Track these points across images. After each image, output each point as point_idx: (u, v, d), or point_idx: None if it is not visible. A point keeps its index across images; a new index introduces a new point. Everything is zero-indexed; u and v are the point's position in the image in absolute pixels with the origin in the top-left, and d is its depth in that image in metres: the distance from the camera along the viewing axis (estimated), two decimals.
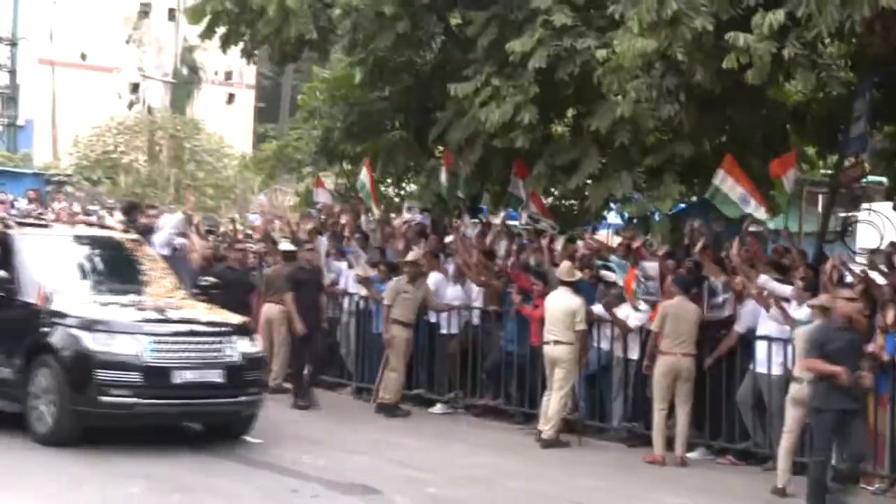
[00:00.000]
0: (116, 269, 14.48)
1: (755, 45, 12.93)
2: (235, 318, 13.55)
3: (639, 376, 14.54)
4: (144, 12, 58.68)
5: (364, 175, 20.06)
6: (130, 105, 55.82)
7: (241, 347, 13.00)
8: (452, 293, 16.64)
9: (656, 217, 17.42)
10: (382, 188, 21.92)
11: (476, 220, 19.33)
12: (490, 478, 12.52)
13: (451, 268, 16.92)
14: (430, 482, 12.04)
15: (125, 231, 15.39)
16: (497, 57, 17.09)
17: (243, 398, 13.01)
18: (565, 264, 14.95)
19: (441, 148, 20.26)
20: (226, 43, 20.07)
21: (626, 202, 17.03)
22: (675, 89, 15.52)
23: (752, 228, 15.54)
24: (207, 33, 20.14)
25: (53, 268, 13.62)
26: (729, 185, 15.49)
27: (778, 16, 12.88)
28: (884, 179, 19.76)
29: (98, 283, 13.91)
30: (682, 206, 18.58)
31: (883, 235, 16.39)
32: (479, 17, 17.55)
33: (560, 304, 14.44)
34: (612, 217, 21.01)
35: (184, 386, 12.50)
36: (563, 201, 20.70)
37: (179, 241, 16.39)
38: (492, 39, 17.12)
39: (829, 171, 18.53)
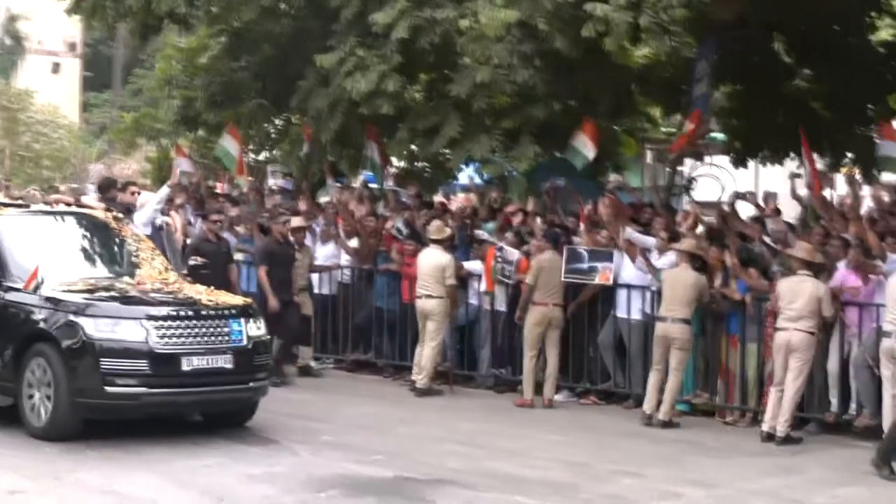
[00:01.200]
0: (105, 250, 13.60)
1: (612, 14, 13.93)
2: (238, 300, 13.03)
3: (506, 326, 15.53)
4: None
5: (227, 141, 20.61)
6: None
7: (248, 330, 12.34)
8: (323, 253, 17.40)
9: (514, 175, 18.40)
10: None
11: (339, 184, 20.09)
12: (378, 425, 13.37)
13: (318, 229, 17.65)
14: (324, 431, 12.83)
15: (107, 210, 14.31)
16: (359, 28, 17.82)
17: (252, 384, 12.36)
18: (435, 223, 15.84)
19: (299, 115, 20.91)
20: (91, 17, 20.32)
21: (486, 163, 17.95)
22: (531, 55, 16.47)
23: (611, 185, 16.63)
24: (74, 7, 20.34)
25: (38, 250, 12.73)
26: (584, 144, 16.66)
27: None
28: (722, 136, 21.06)
29: (87, 266, 13.07)
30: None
31: (724, 187, 17.65)
32: None
33: (431, 261, 15.35)
34: (464, 178, 21.99)
35: (193, 373, 11.86)
36: (417, 164, 21.60)
37: (162, 219, 15.48)
38: (355, 11, 17.84)
39: (674, 130, 19.76)
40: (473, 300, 15.99)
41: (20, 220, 13.38)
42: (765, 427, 12.92)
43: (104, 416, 11.73)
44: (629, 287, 14.45)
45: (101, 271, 12.97)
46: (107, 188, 16.10)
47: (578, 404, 14.91)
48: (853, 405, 13.15)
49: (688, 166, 18.72)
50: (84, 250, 13.40)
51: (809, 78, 19.53)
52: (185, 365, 11.78)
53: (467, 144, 17.74)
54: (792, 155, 19.25)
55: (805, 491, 10.92)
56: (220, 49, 20.67)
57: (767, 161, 20.57)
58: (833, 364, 13.26)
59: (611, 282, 14.42)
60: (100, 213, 14.14)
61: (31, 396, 11.85)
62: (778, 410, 12.82)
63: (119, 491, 10.09)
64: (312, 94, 18.87)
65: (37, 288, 11.98)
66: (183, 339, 11.83)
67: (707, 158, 19.69)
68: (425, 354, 15.33)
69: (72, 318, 11.70)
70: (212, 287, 13.00)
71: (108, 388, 11.48)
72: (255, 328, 12.45)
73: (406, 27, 16.97)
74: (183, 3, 18.82)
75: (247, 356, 12.22)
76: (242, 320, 12.32)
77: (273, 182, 20.55)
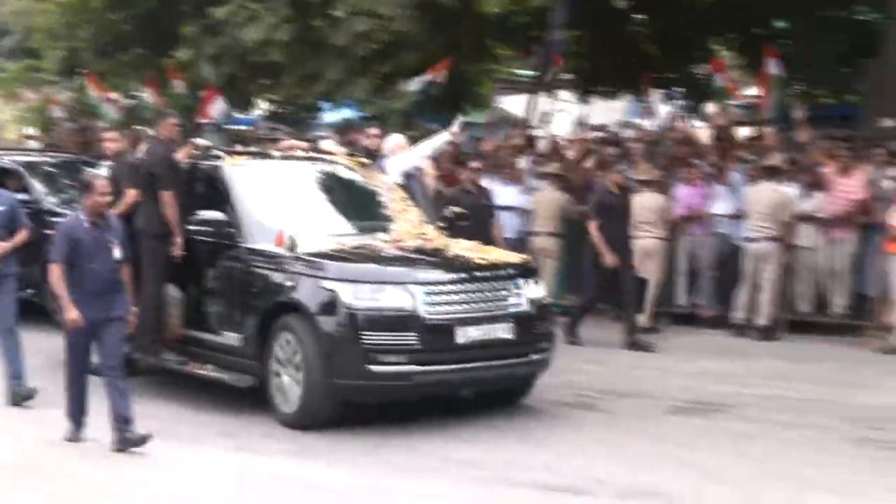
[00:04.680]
0: (353, 203, 11.95)
1: None
2: (515, 257, 11.11)
3: None
4: None
5: (90, 90, 22.06)
6: None
7: (529, 293, 10.47)
8: None
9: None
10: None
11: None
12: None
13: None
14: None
15: (350, 156, 12.56)
16: None
17: (535, 356, 10.47)
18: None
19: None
20: None
21: (367, 104, 19.97)
22: (411, 6, 18.58)
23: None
24: None
25: (280, 206, 11.09)
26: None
27: None
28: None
29: (336, 222, 11.33)
30: None
31: (574, 120, 20.17)
32: None
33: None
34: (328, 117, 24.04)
35: (469, 346, 9.97)
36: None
37: (414, 165, 13.37)
38: None
39: (531, 71, 22.22)
40: None
41: (255, 169, 11.70)
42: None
43: (368, 398, 10.06)
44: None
45: (351, 227, 11.24)
46: (345, 131, 14.02)
47: None
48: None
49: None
50: (331, 203, 11.79)
51: (642, 23, 22.19)
52: (460, 336, 9.94)
53: (348, 87, 19.81)
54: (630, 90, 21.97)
55: (677, 364, 13.26)
56: (102, 2, 22.18)
57: (608, 97, 23.27)
58: (681, 264, 15.85)
59: None
60: (344, 159, 12.49)
61: (278, 376, 10.13)
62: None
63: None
64: (201, 43, 20.65)
65: (292, 248, 10.16)
66: (456, 307, 9.98)
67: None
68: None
69: (327, 283, 9.85)
70: (476, 243, 11.28)
71: (373, 367, 9.67)
72: (536, 290, 10.62)
73: None
74: None
75: (528, 324, 10.38)
76: (522, 281, 10.49)
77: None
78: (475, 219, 13.18)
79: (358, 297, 9.76)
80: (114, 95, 21.96)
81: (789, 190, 15.16)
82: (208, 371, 10.91)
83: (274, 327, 10.17)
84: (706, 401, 11.42)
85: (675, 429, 10.31)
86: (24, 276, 11.13)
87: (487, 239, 12.60)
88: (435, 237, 11.34)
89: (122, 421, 9.13)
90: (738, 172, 15.85)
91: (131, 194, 11.77)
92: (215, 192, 11.26)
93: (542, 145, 18.73)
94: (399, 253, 10.57)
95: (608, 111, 22.96)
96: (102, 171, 11.59)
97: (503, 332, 10.20)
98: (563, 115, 20.82)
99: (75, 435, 9.45)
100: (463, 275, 10.21)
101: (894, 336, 13.94)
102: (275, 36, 18.99)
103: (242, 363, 10.52)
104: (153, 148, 11.87)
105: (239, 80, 20.86)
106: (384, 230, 11.22)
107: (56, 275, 9.16)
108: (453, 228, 12.06)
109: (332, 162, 12.33)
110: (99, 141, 17.46)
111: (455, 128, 14.48)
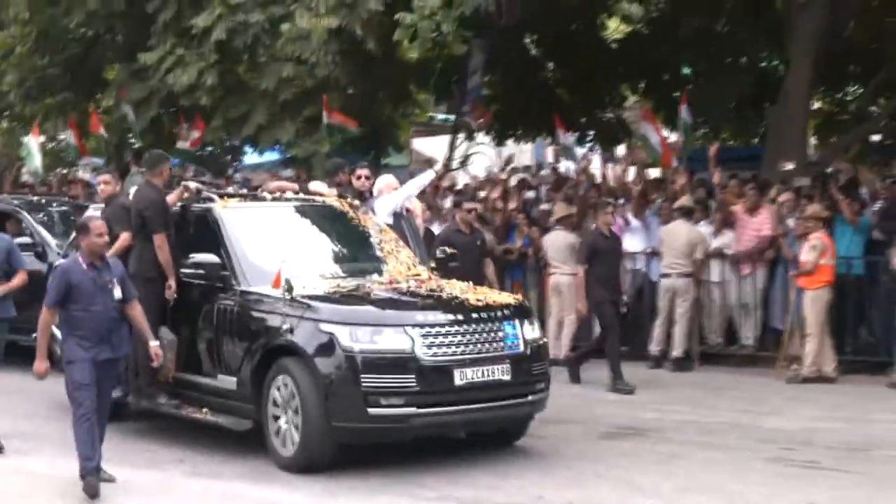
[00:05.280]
0: (346, 244, 11.98)
1: (420, 22, 16.88)
2: (509, 297, 11.10)
3: None
4: None
5: (29, 140, 22.49)
6: None
7: (525, 333, 10.47)
8: None
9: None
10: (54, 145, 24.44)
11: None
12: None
13: None
14: None
15: (340, 197, 12.53)
16: (176, 28, 20.18)
17: (531, 397, 10.48)
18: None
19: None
20: None
21: (291, 146, 20.56)
22: (339, 54, 19.23)
23: None
24: None
25: (274, 248, 10.97)
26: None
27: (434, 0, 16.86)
28: None
29: (329, 264, 11.42)
30: None
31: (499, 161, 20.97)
32: None
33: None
34: (248, 158, 24.66)
35: (467, 388, 9.97)
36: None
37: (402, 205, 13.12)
38: (172, 15, 20.24)
39: (451, 115, 23.02)
40: None
41: (247, 212, 11.75)
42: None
43: (365, 441, 10.04)
44: None
45: (345, 269, 11.31)
46: (335, 171, 14.00)
47: None
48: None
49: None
50: (324, 245, 11.88)
51: (555, 69, 23.12)
52: (458, 378, 9.94)
53: (274, 130, 20.42)
54: (544, 134, 22.86)
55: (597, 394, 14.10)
56: (28, 48, 22.62)
57: (521, 139, 24.16)
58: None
59: None
60: (334, 200, 12.43)
61: (276, 419, 10.17)
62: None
63: None
64: (130, 87, 21.18)
65: (289, 290, 10.09)
66: (454, 349, 9.99)
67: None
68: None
69: (324, 326, 9.88)
70: (470, 283, 11.25)
71: (371, 410, 9.69)
72: (531, 331, 10.62)
73: (224, 29, 19.45)
74: None
75: (525, 365, 10.41)
76: (517, 322, 10.49)
77: (82, 174, 22.50)
78: (467, 259, 13.27)
79: (356, 339, 9.76)
80: (41, 138, 22.40)
81: (702, 228, 16.07)
82: (204, 415, 10.91)
83: (271, 370, 10.20)
84: (631, 426, 12.19)
85: (606, 451, 11.02)
86: (29, 318, 10.68)
87: (479, 279, 12.69)
88: (428, 278, 11.33)
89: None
90: (651, 212, 16.76)
91: (124, 237, 11.83)
92: (208, 234, 11.31)
93: (462, 186, 19.51)
94: (395, 295, 10.57)
95: (519, 153, 23.89)
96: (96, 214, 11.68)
97: (501, 373, 10.20)
98: (480, 157, 21.65)
99: (95, 482, 9.22)
100: (460, 316, 10.18)
101: (803, 367, 14.81)
102: (202, 81, 19.50)
103: (239, 407, 10.55)
104: (144, 191, 11.93)
105: (162, 123, 21.36)
106: (378, 271, 11.28)
107: (43, 319, 9.22)
108: (445, 269, 12.11)
109: (322, 203, 12.35)
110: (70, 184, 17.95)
111: (438, 166, 14.74)
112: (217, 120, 20.56)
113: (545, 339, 11.19)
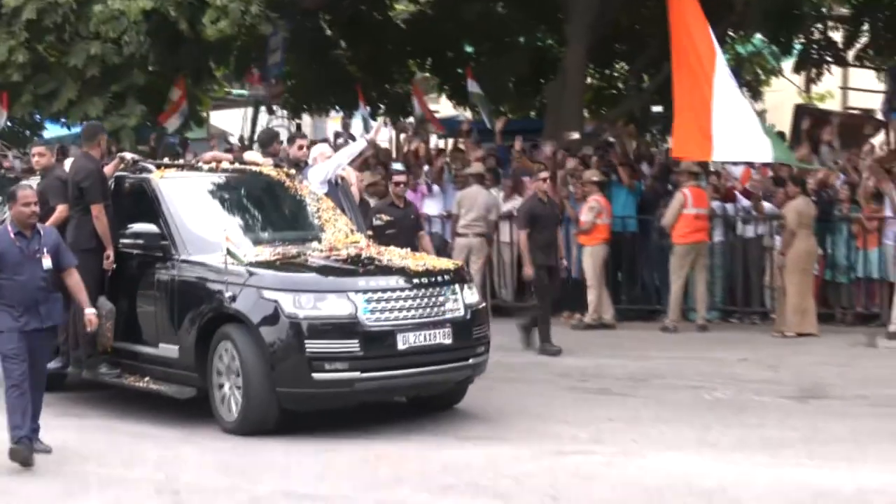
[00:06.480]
0: (284, 213, 12.17)
1: (229, 4, 18.06)
2: (448, 263, 11.35)
3: None
4: None
5: None
6: None
7: (465, 298, 10.74)
8: None
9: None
10: None
11: None
12: None
13: None
14: None
15: (276, 166, 12.48)
16: None
17: (472, 360, 10.76)
18: None
19: None
20: None
21: (100, 120, 21.34)
22: (146, 34, 20.17)
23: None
24: None
25: (212, 217, 11.25)
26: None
27: None
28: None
29: (268, 232, 11.59)
30: None
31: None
32: None
33: None
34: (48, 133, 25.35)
35: (409, 352, 10.23)
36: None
37: (335, 173, 13.02)
38: None
39: (252, 89, 24.18)
40: None
41: (184, 182, 11.89)
42: None
43: (310, 406, 10.28)
44: None
45: (283, 237, 11.42)
46: (269, 142, 13.99)
47: None
48: None
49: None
50: (262, 214, 12.04)
51: (347, 47, 24.60)
52: (401, 343, 10.19)
53: (83, 105, 21.24)
54: (338, 108, 24.36)
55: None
56: None
57: (315, 114, 25.59)
58: None
59: None
60: (270, 169, 12.42)
61: (220, 387, 10.35)
62: None
63: None
64: None
65: (232, 257, 10.28)
66: (396, 314, 10.24)
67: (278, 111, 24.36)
68: None
69: (267, 293, 10.07)
70: (408, 250, 11.56)
71: (316, 375, 9.94)
72: (471, 295, 10.90)
73: (33, 9, 20.21)
74: None
75: (465, 328, 10.67)
76: (457, 287, 10.75)
77: None
78: (402, 229, 13.40)
79: (300, 305, 9.98)
80: None
81: (494, 192, 17.82)
82: (147, 383, 11.05)
83: (214, 338, 10.34)
84: None
85: None
86: None
87: (414, 249, 12.57)
88: (367, 246, 11.45)
89: (32, 432, 9.28)
90: (448, 179, 18.44)
91: (61, 209, 11.83)
92: (145, 205, 11.42)
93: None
94: (336, 262, 10.77)
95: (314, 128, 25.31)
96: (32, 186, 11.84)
97: (442, 336, 10.46)
98: (281, 130, 22.90)
99: (23, 448, 9.20)
100: (402, 282, 10.43)
101: (586, 315, 16.70)
102: (13, 58, 20.22)
103: (182, 374, 10.70)
104: (81, 162, 11.94)
105: None
106: (317, 239, 11.36)
107: None
108: (382, 237, 12.31)
109: (259, 173, 12.34)
110: None
111: (372, 134, 14.60)
112: (26, 96, 21.24)
113: (484, 304, 11.41)
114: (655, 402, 11.96)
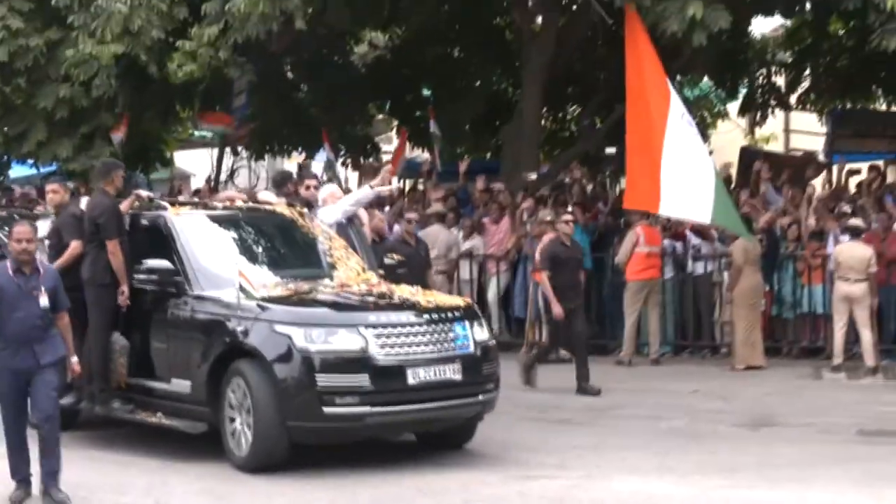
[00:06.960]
0: (297, 250, 12.30)
1: (199, 49, 18.66)
2: (458, 300, 11.76)
3: None
4: None
5: None
6: None
7: (475, 335, 10.85)
8: None
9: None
10: None
11: None
12: None
13: None
14: None
15: (290, 205, 12.67)
16: None
17: (482, 397, 10.86)
18: None
19: None
20: None
21: (69, 161, 21.86)
22: (116, 77, 20.72)
23: None
24: None
25: (226, 254, 11.38)
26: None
27: (212, 29, 18.66)
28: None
29: (281, 269, 11.64)
30: None
31: (259, 177, 22.90)
32: None
33: None
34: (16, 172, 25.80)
35: (419, 387, 10.33)
36: None
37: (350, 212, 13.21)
38: None
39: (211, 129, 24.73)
40: None
41: (199, 220, 12.07)
42: None
43: (320, 440, 10.39)
44: None
45: (296, 274, 11.51)
46: (282, 182, 14.09)
47: None
48: None
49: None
50: (275, 251, 12.27)
51: (308, 91, 25.27)
52: (411, 378, 10.29)
53: (53, 146, 21.71)
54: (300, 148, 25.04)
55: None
56: None
57: (277, 154, 26.23)
58: None
59: None
60: (284, 208, 12.61)
61: (232, 421, 10.44)
62: None
63: None
64: None
65: (245, 295, 10.47)
66: (407, 349, 10.35)
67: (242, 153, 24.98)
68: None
69: (279, 327, 10.21)
70: (418, 287, 11.76)
71: (327, 409, 10.04)
72: (481, 332, 11.02)
73: (5, 52, 20.71)
74: None
75: (475, 365, 10.78)
76: (467, 323, 10.87)
77: None
78: (413, 267, 13.72)
79: (311, 340, 10.08)
80: None
81: (455, 231, 18.54)
82: (159, 419, 11.15)
83: (227, 373, 10.43)
84: None
85: None
86: None
87: (425, 287, 12.66)
88: (378, 283, 11.64)
89: (48, 476, 9.16)
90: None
91: (74, 245, 11.93)
92: (160, 241, 11.57)
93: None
94: (348, 297, 10.93)
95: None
96: (47, 224, 12.33)
97: (452, 372, 10.55)
98: (244, 170, 23.57)
99: (20, 493, 9.29)
100: (412, 317, 10.55)
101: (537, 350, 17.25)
102: None
103: (194, 410, 10.79)
104: (98, 198, 12.10)
105: None
106: (328, 276, 11.53)
107: None
108: (393, 276, 12.40)
109: (272, 211, 12.57)
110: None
111: (375, 182, 14.25)
112: None
113: (494, 341, 11.45)
114: (616, 430, 12.67)
